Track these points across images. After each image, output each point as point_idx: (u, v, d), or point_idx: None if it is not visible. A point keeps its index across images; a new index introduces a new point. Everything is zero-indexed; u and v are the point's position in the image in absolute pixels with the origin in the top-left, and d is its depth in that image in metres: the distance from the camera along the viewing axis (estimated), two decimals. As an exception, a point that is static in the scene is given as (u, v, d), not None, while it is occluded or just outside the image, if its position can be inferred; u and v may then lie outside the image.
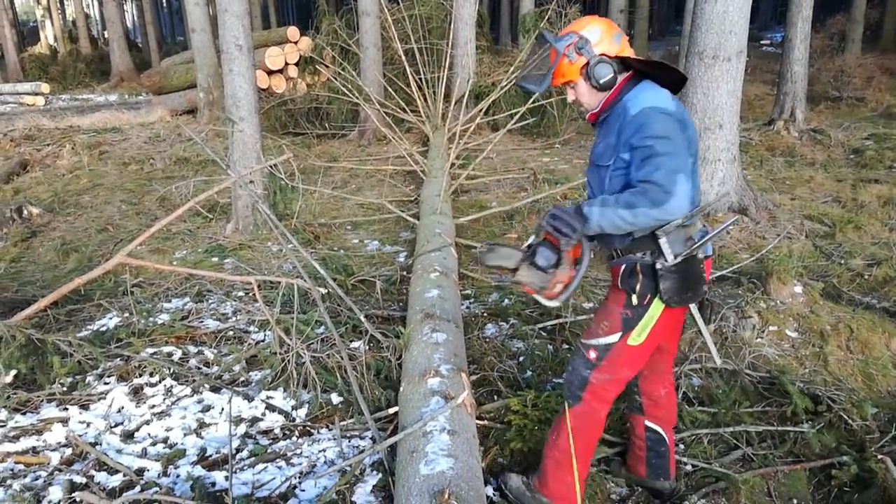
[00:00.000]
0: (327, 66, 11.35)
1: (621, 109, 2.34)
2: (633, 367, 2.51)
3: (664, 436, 2.79)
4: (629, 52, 2.41)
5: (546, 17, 10.41)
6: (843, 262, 5.17)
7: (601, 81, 2.36)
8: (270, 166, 5.51)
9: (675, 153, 2.18)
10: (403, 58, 10.59)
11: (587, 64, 2.35)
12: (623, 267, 2.42)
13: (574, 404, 2.56)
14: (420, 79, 10.77)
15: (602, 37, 2.36)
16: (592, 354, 2.50)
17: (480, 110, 9.70)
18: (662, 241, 2.31)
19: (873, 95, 12.09)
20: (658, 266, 2.33)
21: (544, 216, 2.38)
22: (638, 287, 2.39)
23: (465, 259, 5.58)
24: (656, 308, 2.39)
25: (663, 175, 2.15)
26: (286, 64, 12.92)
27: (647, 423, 2.79)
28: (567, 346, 4.12)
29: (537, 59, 2.41)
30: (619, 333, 2.44)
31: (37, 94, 17.73)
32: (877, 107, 11.68)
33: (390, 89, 10.71)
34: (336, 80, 10.56)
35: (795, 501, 2.89)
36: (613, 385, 2.52)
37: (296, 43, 13.10)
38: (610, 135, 2.38)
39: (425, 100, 10.52)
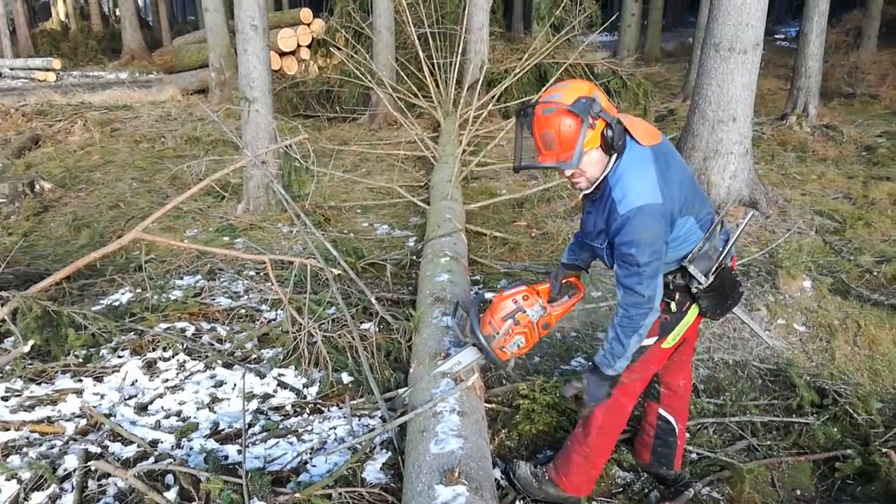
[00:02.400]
0: (340, 49, 11.33)
1: (608, 193, 2.28)
2: (661, 364, 2.59)
3: (675, 426, 2.83)
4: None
5: (562, 5, 10.37)
6: (852, 258, 5.17)
7: (617, 144, 2.25)
8: (285, 147, 5.52)
9: (653, 260, 2.23)
10: (416, 42, 10.56)
11: (605, 125, 2.23)
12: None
13: (604, 401, 2.60)
14: (433, 64, 10.73)
15: (601, 96, 2.28)
16: None
17: (493, 97, 9.68)
18: (692, 269, 2.36)
19: (887, 93, 12.01)
20: (693, 290, 2.40)
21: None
22: (677, 296, 2.45)
23: (475, 245, 5.60)
24: (692, 314, 2.47)
25: (645, 285, 2.25)
26: (298, 46, 12.93)
27: (661, 411, 2.83)
28: (574, 334, 4.15)
29: (556, 129, 2.22)
30: (656, 338, 2.49)
31: (48, 70, 17.75)
32: (890, 104, 11.60)
33: (402, 74, 10.69)
34: (348, 63, 10.54)
35: (799, 492, 2.93)
36: (641, 382, 2.61)
37: (308, 25, 13.09)
38: (599, 216, 2.35)
39: (437, 85, 10.50)
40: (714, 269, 2.36)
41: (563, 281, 2.78)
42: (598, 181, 2.33)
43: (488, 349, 2.72)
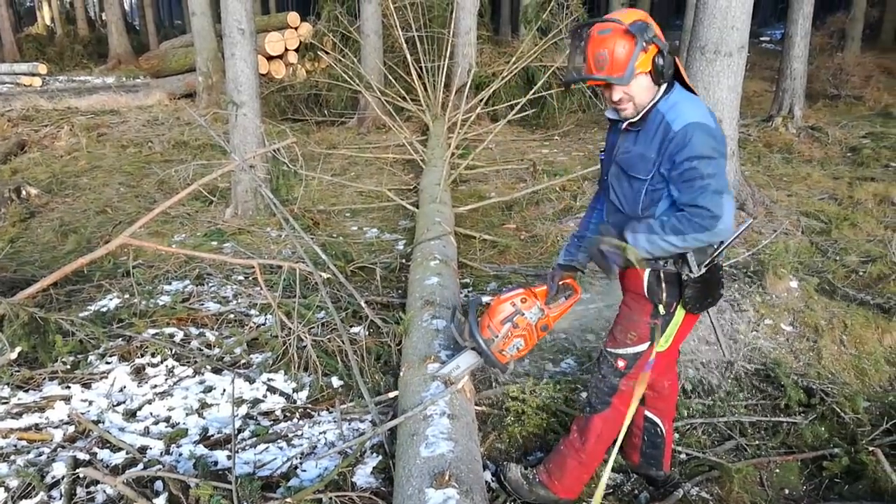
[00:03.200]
0: (327, 53, 11.32)
1: (659, 120, 2.29)
2: (657, 369, 2.56)
3: (662, 427, 2.84)
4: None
5: (549, 9, 10.41)
6: (838, 258, 5.22)
7: (667, 72, 2.28)
8: (274, 151, 5.52)
9: (718, 174, 2.19)
10: (404, 46, 10.57)
11: (658, 52, 2.25)
12: (648, 274, 2.42)
13: (603, 409, 2.61)
14: (421, 67, 10.75)
15: (656, 26, 2.28)
16: (621, 363, 2.56)
17: (481, 100, 9.70)
18: (689, 256, 2.34)
19: (871, 94, 12.13)
20: (684, 277, 2.38)
21: (593, 246, 2.44)
22: (664, 297, 2.43)
23: (464, 248, 5.61)
24: (680, 314, 2.45)
25: (709, 198, 2.17)
26: (286, 50, 12.89)
27: (647, 413, 2.83)
28: (564, 336, 4.16)
29: (611, 49, 2.23)
30: (648, 343, 2.50)
31: (34, 75, 17.64)
32: (874, 105, 11.73)
33: (391, 77, 10.70)
34: (336, 66, 10.54)
35: (787, 492, 2.95)
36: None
37: (296, 29, 13.07)
38: (648, 146, 2.32)
39: (425, 89, 10.52)
40: (707, 262, 2.35)
41: (560, 282, 2.80)
42: (646, 111, 2.33)
43: (488, 352, 2.73)
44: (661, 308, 2.44)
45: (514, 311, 2.72)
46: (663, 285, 2.41)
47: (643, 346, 2.49)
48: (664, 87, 2.33)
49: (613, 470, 3.03)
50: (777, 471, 3.04)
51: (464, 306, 2.87)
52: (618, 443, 2.43)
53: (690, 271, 2.35)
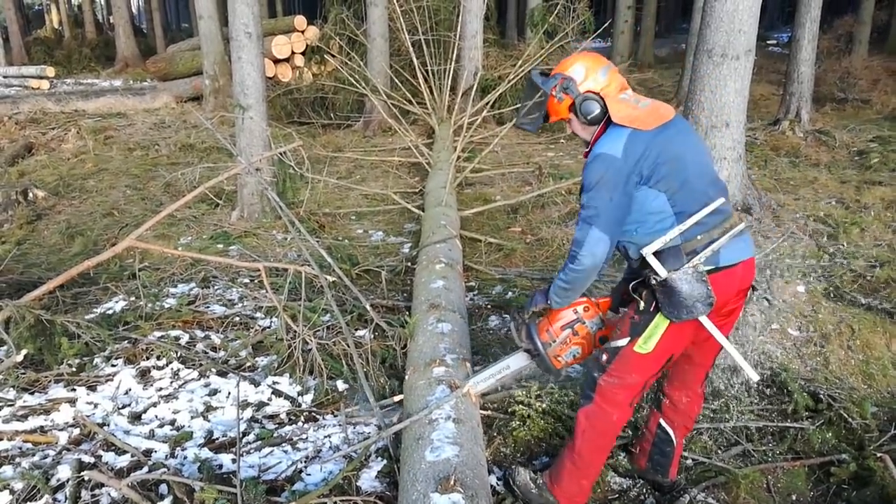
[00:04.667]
0: (334, 56, 11.34)
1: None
2: (643, 373, 2.50)
3: (673, 438, 2.82)
4: (616, 85, 2.49)
5: (555, 12, 10.41)
6: (845, 262, 5.19)
7: (589, 117, 2.48)
8: (280, 154, 5.53)
9: (592, 204, 2.36)
10: (411, 49, 10.58)
11: (574, 102, 2.49)
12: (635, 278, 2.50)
13: (585, 404, 2.59)
14: (427, 70, 10.76)
15: (587, 74, 2.48)
16: (604, 357, 2.54)
17: (487, 103, 9.70)
18: (650, 259, 2.36)
19: (879, 98, 12.06)
20: (652, 281, 2.37)
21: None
22: (644, 294, 2.44)
23: (470, 251, 5.60)
24: (662, 319, 2.40)
25: (578, 228, 2.41)
26: (292, 53, 12.92)
27: (661, 421, 2.82)
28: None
29: (532, 101, 2.59)
30: (627, 339, 2.47)
31: (42, 78, 17.72)
32: (882, 109, 11.66)
33: (396, 80, 10.71)
34: (343, 70, 10.56)
35: (794, 497, 2.93)
36: (622, 389, 2.51)
37: (303, 32, 13.10)
38: None
39: (431, 92, 10.52)
40: (678, 268, 2.32)
41: (623, 295, 2.77)
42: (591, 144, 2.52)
43: (544, 355, 2.71)
44: (641, 304, 2.45)
45: (576, 318, 2.70)
46: (643, 292, 2.45)
47: (623, 342, 2.48)
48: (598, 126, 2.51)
49: (620, 474, 3.02)
50: (784, 477, 3.02)
51: (519, 308, 2.85)
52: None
53: (657, 276, 2.35)
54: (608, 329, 2.73)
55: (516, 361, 2.91)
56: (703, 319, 2.36)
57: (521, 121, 2.70)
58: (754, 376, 2.42)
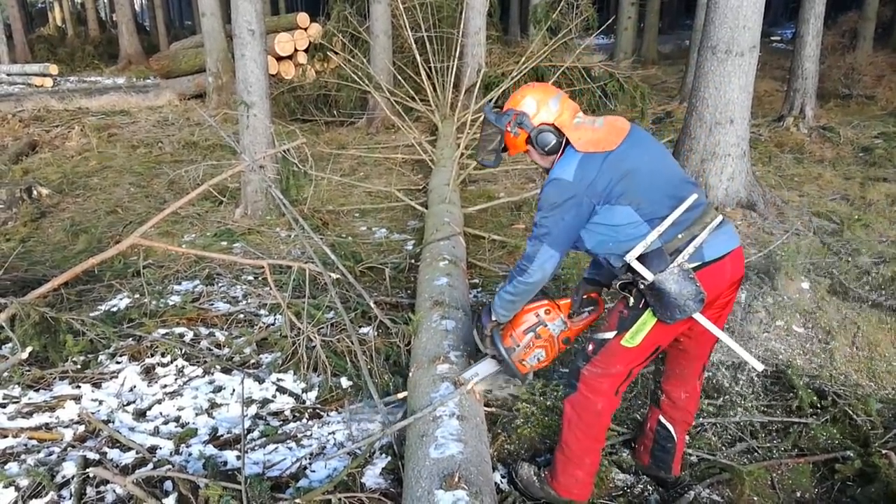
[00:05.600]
0: (337, 53, 11.33)
1: None
2: (627, 364, 2.53)
3: (674, 434, 2.83)
4: (569, 113, 2.55)
5: (558, 9, 10.38)
6: (850, 259, 5.18)
7: (546, 149, 2.55)
8: (283, 151, 5.53)
9: (545, 224, 2.45)
10: (413, 46, 10.56)
11: (529, 135, 2.56)
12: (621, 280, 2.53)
13: (570, 393, 2.62)
14: (430, 67, 10.73)
15: (538, 107, 2.55)
16: (590, 347, 2.57)
17: (490, 100, 9.68)
18: (635, 264, 2.37)
19: (883, 94, 12.01)
20: (640, 286, 2.38)
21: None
22: (633, 291, 2.45)
23: (473, 248, 5.60)
24: (651, 315, 2.41)
25: (529, 242, 2.52)
26: (295, 50, 12.91)
27: (661, 418, 2.83)
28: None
29: (488, 137, 2.66)
30: (615, 332, 2.49)
31: (45, 76, 17.73)
32: (887, 105, 11.62)
33: (400, 77, 10.69)
34: (346, 67, 10.55)
35: (799, 494, 2.92)
36: (606, 378, 2.54)
37: (305, 29, 13.09)
38: None
39: (434, 89, 10.51)
40: (664, 269, 2.32)
41: (584, 296, 2.83)
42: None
43: (509, 361, 2.75)
44: (631, 300, 2.46)
45: (538, 321, 2.73)
46: (633, 290, 2.46)
47: (610, 335, 2.50)
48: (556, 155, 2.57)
49: (624, 471, 3.02)
50: (788, 473, 3.01)
51: (479, 316, 2.89)
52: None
53: (644, 279, 2.35)
54: (571, 330, 2.78)
55: (484, 368, 2.94)
56: (698, 316, 2.37)
57: (481, 156, 2.74)
58: (758, 366, 2.42)
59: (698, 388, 2.83)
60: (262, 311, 4.44)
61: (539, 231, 2.48)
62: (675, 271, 2.32)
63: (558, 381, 3.45)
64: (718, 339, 2.47)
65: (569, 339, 2.79)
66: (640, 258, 2.37)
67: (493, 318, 2.78)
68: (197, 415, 3.36)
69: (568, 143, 2.52)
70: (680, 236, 2.37)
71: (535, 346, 2.74)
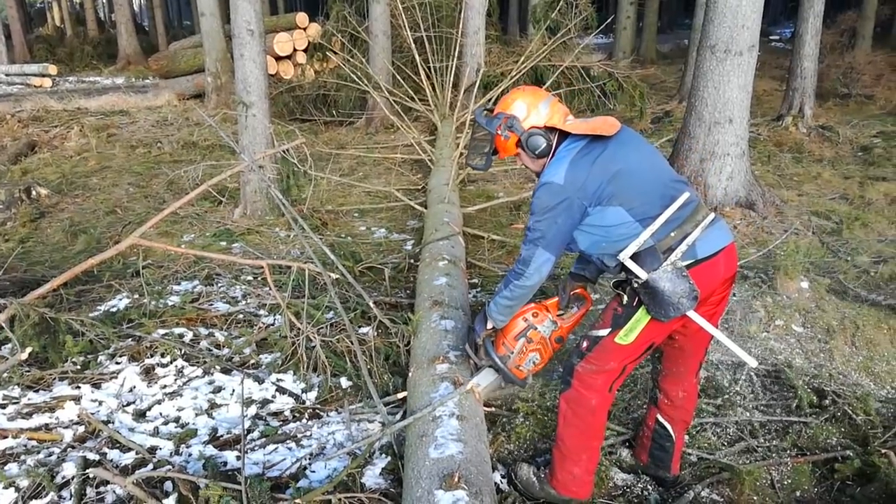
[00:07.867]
0: (336, 53, 11.33)
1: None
2: (621, 361, 2.54)
3: (672, 433, 2.83)
4: (559, 115, 2.57)
5: (557, 8, 10.38)
6: (849, 258, 5.18)
7: (537, 152, 2.57)
8: (283, 151, 5.53)
9: (540, 228, 2.46)
10: (413, 46, 10.56)
11: (520, 139, 2.58)
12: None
13: (565, 389, 2.63)
14: (429, 67, 10.74)
15: (528, 111, 2.58)
16: (584, 344, 2.58)
17: (489, 100, 9.68)
18: (629, 263, 2.38)
19: (882, 93, 12.03)
20: (634, 284, 2.39)
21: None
22: (628, 289, 2.47)
23: (473, 248, 5.60)
24: (645, 313, 2.42)
25: (525, 246, 2.53)
26: (294, 50, 12.92)
27: (659, 417, 2.83)
28: (572, 337, 4.13)
29: (478, 140, 2.68)
30: (609, 329, 2.50)
31: (44, 76, 17.73)
32: (886, 105, 11.63)
33: (399, 77, 10.70)
34: (345, 67, 10.55)
35: (798, 494, 2.92)
36: (599, 374, 2.55)
37: (304, 29, 13.10)
38: None
39: (434, 89, 10.51)
40: (658, 267, 2.33)
41: (571, 293, 2.83)
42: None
43: (505, 370, 2.77)
44: (625, 298, 2.48)
45: (527, 325, 2.74)
46: (628, 287, 2.47)
47: (604, 332, 2.51)
48: (564, 144, 2.55)
49: (623, 470, 3.02)
50: (788, 473, 3.01)
51: (470, 329, 2.92)
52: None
53: (638, 278, 2.36)
54: (562, 329, 2.78)
55: (485, 378, 2.95)
56: (692, 314, 2.37)
57: (471, 160, 2.74)
58: (752, 362, 2.43)
59: (696, 386, 2.84)
60: (262, 312, 4.44)
61: (533, 235, 2.49)
62: (669, 269, 2.33)
63: (557, 381, 3.45)
64: (713, 337, 2.48)
65: (561, 337, 2.80)
66: (634, 257, 2.38)
67: (490, 325, 2.79)
68: (197, 415, 3.36)
69: (558, 146, 2.53)
70: (672, 234, 2.37)
71: (528, 350, 2.75)
